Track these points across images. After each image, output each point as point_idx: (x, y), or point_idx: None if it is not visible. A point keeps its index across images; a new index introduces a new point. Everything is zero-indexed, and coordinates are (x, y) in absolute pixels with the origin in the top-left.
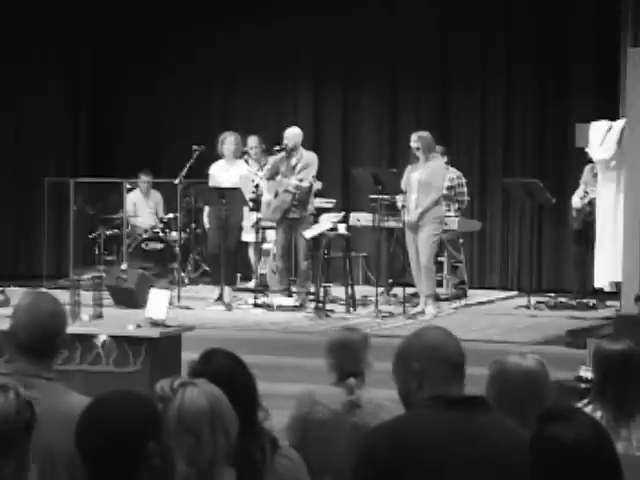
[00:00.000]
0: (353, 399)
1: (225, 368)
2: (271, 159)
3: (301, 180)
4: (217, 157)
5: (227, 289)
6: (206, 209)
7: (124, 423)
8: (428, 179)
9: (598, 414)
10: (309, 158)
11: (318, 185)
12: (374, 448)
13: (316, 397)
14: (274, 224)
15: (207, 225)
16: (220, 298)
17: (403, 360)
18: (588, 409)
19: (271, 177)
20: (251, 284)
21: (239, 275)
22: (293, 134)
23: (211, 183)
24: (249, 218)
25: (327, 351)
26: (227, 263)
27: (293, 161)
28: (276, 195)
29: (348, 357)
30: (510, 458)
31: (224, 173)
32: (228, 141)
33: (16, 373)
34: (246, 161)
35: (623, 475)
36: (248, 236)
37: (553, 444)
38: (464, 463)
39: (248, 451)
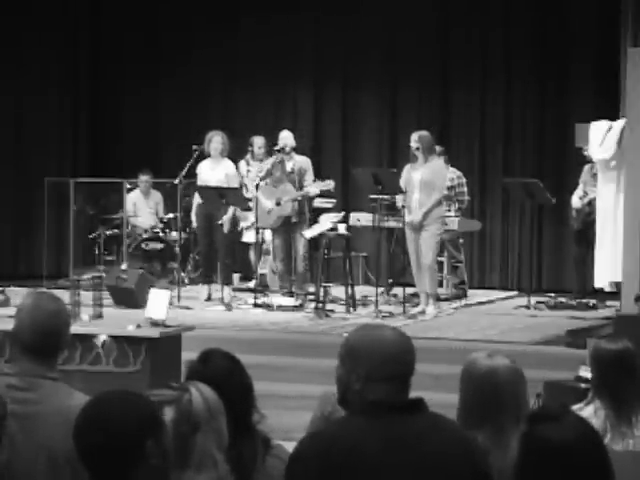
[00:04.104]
0: None
1: (223, 369)
2: (265, 164)
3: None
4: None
5: (227, 289)
6: (194, 208)
7: (122, 422)
8: (430, 179)
9: (601, 414)
10: (304, 163)
11: (331, 185)
12: (304, 453)
13: None
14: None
15: (195, 224)
16: (210, 298)
17: (351, 360)
18: (589, 409)
19: (263, 179)
20: (251, 284)
21: (239, 275)
22: (291, 137)
23: (199, 183)
24: (246, 219)
25: None
26: (220, 262)
27: (289, 166)
28: (278, 204)
29: None
30: (454, 460)
31: (210, 172)
32: (215, 140)
33: (20, 374)
34: (247, 161)
35: (614, 475)
36: (248, 236)
37: (543, 445)
38: (403, 469)
39: (239, 452)
